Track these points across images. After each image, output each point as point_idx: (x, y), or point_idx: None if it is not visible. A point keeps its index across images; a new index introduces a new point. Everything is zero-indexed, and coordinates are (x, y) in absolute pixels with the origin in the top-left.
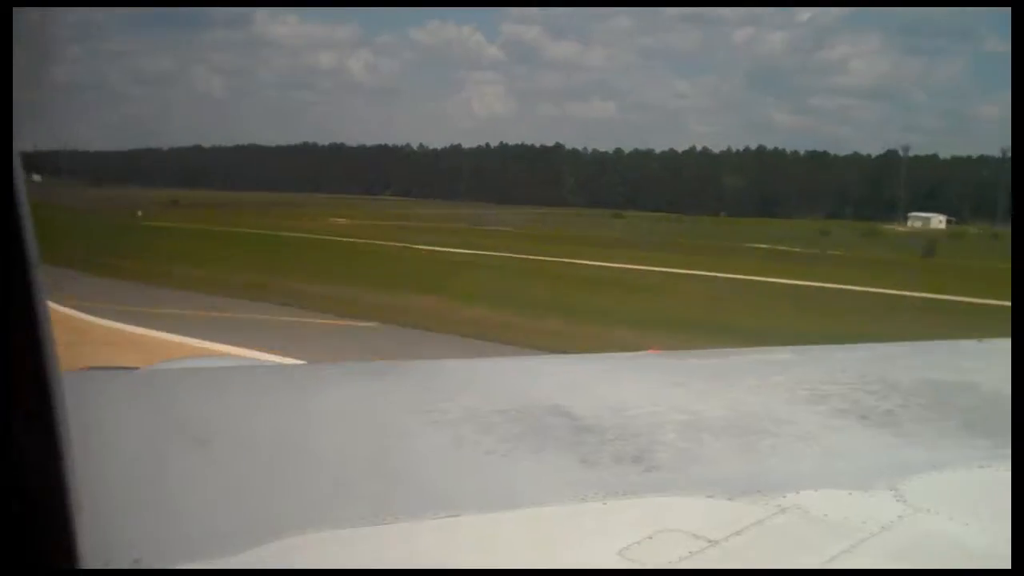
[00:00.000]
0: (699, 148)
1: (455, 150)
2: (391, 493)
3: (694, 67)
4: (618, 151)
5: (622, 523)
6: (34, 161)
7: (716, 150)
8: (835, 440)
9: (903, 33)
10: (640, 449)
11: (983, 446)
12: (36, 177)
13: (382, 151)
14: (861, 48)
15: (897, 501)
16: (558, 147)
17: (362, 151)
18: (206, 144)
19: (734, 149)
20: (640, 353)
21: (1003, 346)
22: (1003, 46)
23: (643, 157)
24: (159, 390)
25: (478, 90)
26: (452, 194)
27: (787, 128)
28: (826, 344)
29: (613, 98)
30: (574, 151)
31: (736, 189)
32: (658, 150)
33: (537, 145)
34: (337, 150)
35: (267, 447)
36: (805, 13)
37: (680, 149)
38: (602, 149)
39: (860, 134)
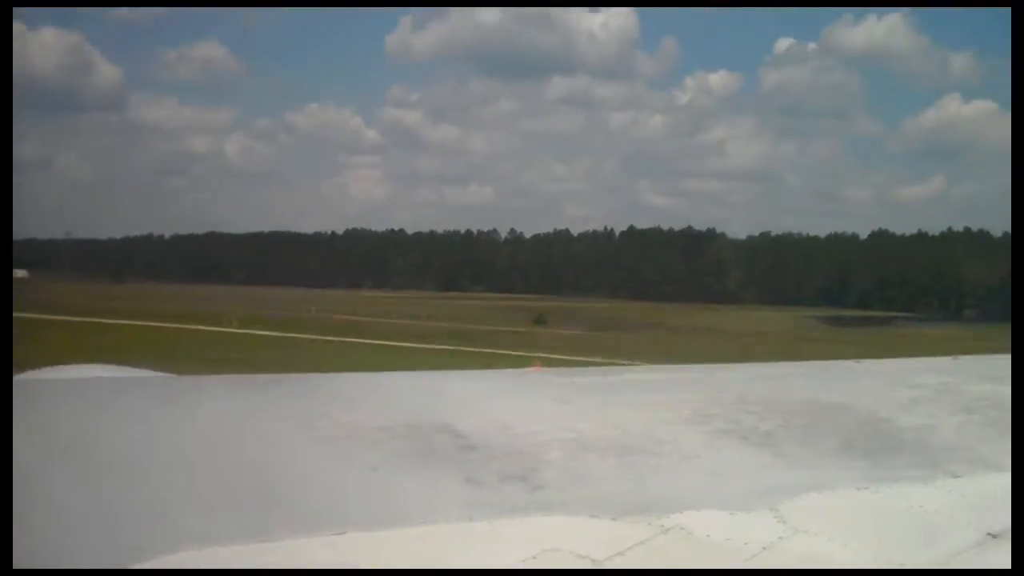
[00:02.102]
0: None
1: (561, 236)
2: (273, 510)
3: (574, 150)
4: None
5: (508, 542)
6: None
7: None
8: (717, 460)
9: (779, 115)
10: (526, 468)
11: (861, 467)
12: (21, 273)
13: (459, 239)
14: (737, 131)
15: (778, 522)
16: (711, 232)
17: (429, 239)
18: (221, 230)
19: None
20: (525, 370)
21: (878, 367)
22: (876, 127)
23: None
24: (26, 400)
25: (357, 174)
26: (574, 290)
27: (667, 210)
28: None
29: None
30: (724, 235)
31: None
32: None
33: (689, 229)
34: (392, 237)
35: (142, 461)
36: (684, 96)
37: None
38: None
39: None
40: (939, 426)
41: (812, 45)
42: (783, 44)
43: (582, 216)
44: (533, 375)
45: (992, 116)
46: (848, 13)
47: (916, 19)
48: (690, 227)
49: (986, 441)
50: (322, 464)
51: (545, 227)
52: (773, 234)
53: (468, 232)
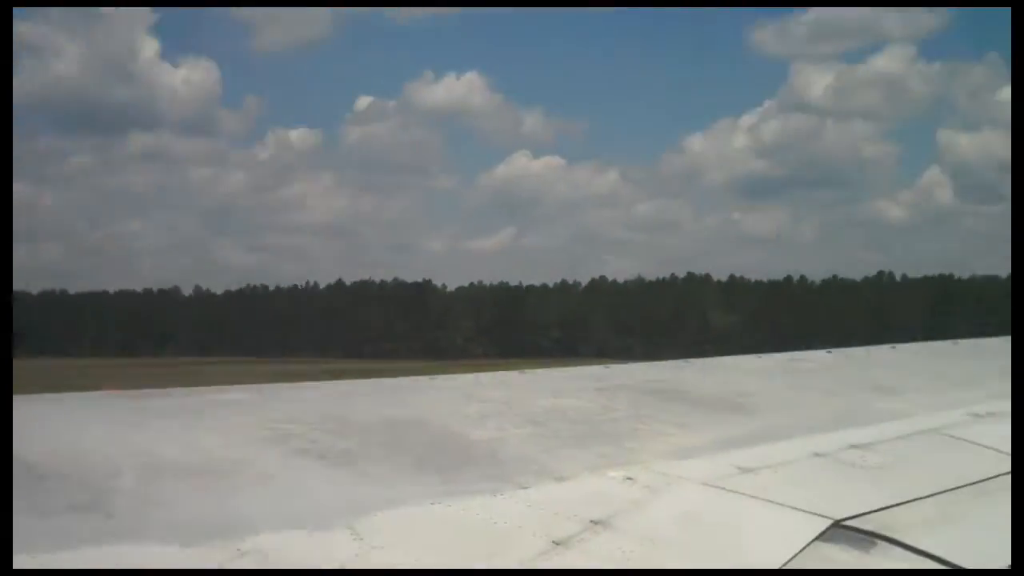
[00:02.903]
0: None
1: (257, 292)
2: None
3: (151, 207)
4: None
5: None
6: None
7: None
8: (294, 481)
9: (360, 171)
10: (96, 496)
11: (435, 481)
12: None
13: (138, 298)
14: (317, 186)
15: (354, 539)
16: (428, 284)
17: (101, 299)
18: None
19: None
20: (97, 393)
21: (450, 383)
22: (452, 181)
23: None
24: None
25: None
26: (284, 349)
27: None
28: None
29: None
30: (444, 287)
31: None
32: None
33: (399, 280)
34: (53, 298)
35: None
36: (264, 153)
37: None
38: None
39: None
40: (507, 439)
41: (392, 102)
42: (364, 101)
43: (163, 273)
44: (104, 398)
45: (558, 171)
46: (429, 71)
47: (491, 78)
48: (397, 278)
49: (550, 452)
50: None
51: (124, 283)
52: (487, 284)
53: (147, 291)
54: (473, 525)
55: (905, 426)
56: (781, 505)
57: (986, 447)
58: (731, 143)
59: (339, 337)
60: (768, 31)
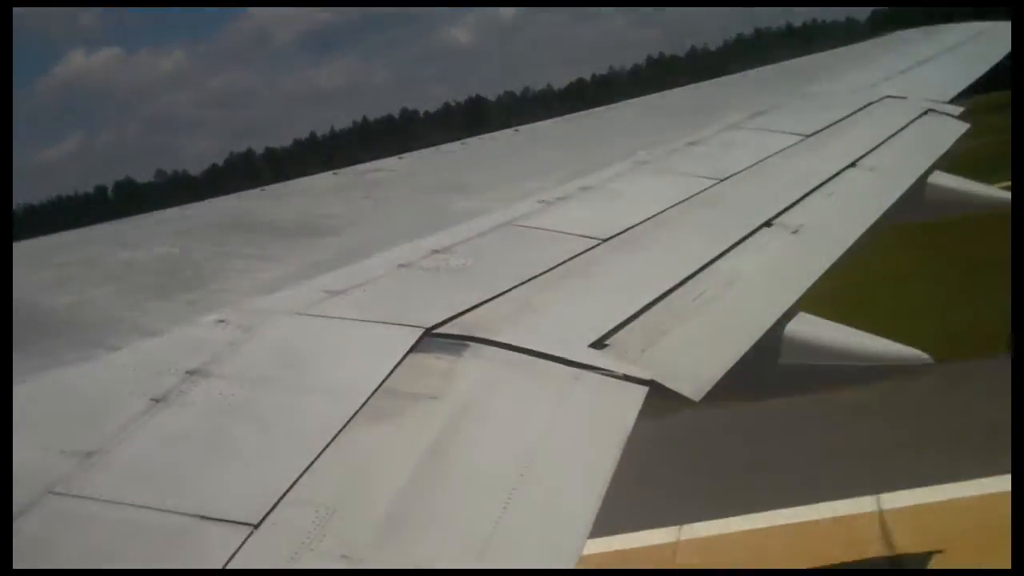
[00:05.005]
0: None
1: None
2: None
3: None
4: None
5: None
6: None
7: None
8: None
9: None
10: None
11: (18, 358)
12: None
13: None
14: None
15: None
16: None
17: None
18: None
19: None
20: None
21: (17, 250)
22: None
23: None
24: None
25: None
26: None
27: None
28: None
29: None
30: None
31: None
32: None
33: None
34: None
35: None
36: None
37: None
38: None
39: None
40: (89, 301)
41: None
42: None
43: None
44: None
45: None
46: None
47: None
48: None
49: (136, 308)
50: None
51: None
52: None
53: None
54: (67, 395)
55: (482, 223)
56: (373, 322)
57: (556, 232)
58: None
59: None
60: None
